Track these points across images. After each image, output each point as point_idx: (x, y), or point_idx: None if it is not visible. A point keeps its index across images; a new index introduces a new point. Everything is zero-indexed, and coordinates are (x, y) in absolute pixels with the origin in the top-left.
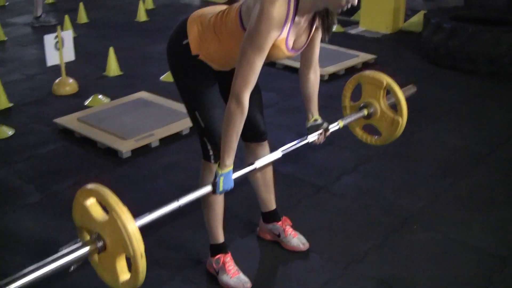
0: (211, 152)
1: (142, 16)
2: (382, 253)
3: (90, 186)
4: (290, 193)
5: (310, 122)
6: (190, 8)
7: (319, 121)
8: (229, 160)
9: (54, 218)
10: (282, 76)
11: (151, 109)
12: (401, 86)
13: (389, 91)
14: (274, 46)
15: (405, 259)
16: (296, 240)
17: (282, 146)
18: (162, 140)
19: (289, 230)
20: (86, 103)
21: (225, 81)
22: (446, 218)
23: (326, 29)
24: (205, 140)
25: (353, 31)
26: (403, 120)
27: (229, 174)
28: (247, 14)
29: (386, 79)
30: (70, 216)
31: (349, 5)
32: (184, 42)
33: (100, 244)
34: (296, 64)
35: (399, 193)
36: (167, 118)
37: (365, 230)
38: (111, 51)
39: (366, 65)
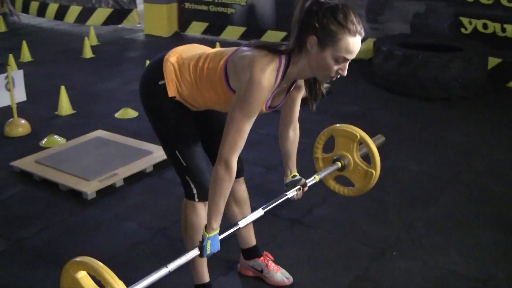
0: (194, 191)
1: (88, 53)
2: (365, 284)
3: (81, 259)
4: (264, 228)
5: (289, 178)
6: (135, 44)
7: (297, 177)
8: (216, 224)
9: (23, 267)
10: None
11: (111, 148)
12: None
13: (361, 142)
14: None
15: None
16: (280, 275)
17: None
18: (126, 180)
19: (272, 265)
20: (42, 144)
21: (202, 117)
22: (423, 245)
23: (314, 98)
24: (187, 179)
25: None
26: (377, 172)
27: (216, 237)
28: (234, 73)
29: (360, 133)
30: (41, 264)
31: (338, 76)
32: (160, 82)
33: None
34: None
35: (372, 222)
36: (128, 156)
37: (345, 261)
38: (63, 90)
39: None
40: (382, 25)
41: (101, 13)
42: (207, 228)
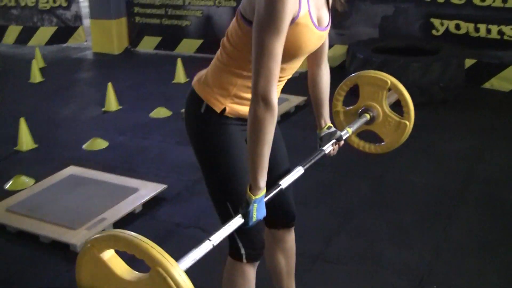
0: (242, 251)
1: (36, 77)
2: None
3: (108, 232)
4: None
5: (324, 130)
6: (83, 64)
7: (332, 128)
8: (263, 182)
9: None
10: None
11: (90, 188)
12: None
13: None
14: (299, 25)
15: None
16: None
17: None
18: (116, 224)
19: None
20: (7, 187)
21: None
22: (460, 271)
23: None
24: (235, 236)
25: None
26: (411, 123)
27: (263, 200)
28: (245, 6)
29: (390, 79)
30: None
31: None
32: (203, 109)
33: None
34: None
35: (397, 249)
36: (112, 196)
37: None
38: (22, 122)
39: (298, 108)
40: (349, 30)
41: (45, 32)
42: (252, 188)
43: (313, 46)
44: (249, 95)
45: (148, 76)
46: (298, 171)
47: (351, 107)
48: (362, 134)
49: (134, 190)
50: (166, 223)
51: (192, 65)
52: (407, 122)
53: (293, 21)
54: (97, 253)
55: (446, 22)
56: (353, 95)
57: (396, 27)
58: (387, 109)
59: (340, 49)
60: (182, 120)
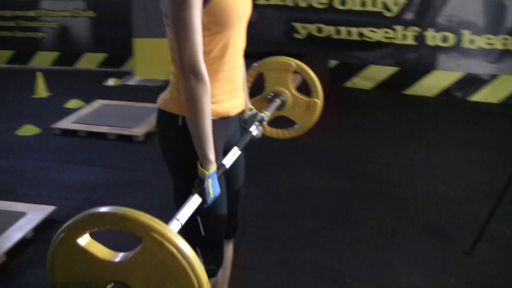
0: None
1: None
2: None
3: (83, 215)
4: None
5: (247, 113)
6: None
7: (254, 110)
8: (212, 155)
9: None
10: (112, 147)
11: None
12: None
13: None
14: None
15: None
16: None
17: None
18: (9, 254)
19: None
20: None
21: None
22: (369, 264)
23: None
24: (197, 250)
25: (130, 82)
26: (321, 100)
27: (215, 175)
28: (164, 4)
29: (294, 61)
30: None
31: None
32: (180, 122)
33: None
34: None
35: (307, 251)
36: None
37: None
38: None
39: None
40: None
41: None
42: (203, 164)
43: (244, 11)
44: (216, 90)
45: (5, 92)
46: (236, 152)
47: (259, 96)
48: (272, 122)
49: (21, 215)
50: None
51: (51, 78)
52: (317, 100)
53: None
54: (73, 240)
55: (308, 26)
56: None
57: (260, 33)
58: (295, 92)
59: None
60: (156, 141)
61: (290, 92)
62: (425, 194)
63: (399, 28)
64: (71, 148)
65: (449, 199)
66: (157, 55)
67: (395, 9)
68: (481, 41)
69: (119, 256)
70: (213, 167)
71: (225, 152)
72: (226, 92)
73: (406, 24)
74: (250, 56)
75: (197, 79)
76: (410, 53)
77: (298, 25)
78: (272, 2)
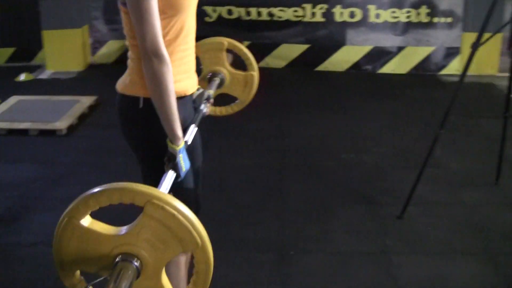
0: None
1: None
2: None
3: (85, 195)
4: None
5: (195, 92)
6: None
7: (201, 89)
8: (180, 131)
9: None
10: (36, 143)
11: None
12: None
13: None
14: None
15: None
16: None
17: None
18: None
19: None
20: None
21: None
22: (307, 234)
23: None
24: None
25: (43, 76)
26: (256, 72)
27: (184, 149)
28: None
29: (226, 39)
30: None
31: None
32: (141, 104)
33: (136, 263)
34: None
35: (249, 227)
36: None
37: None
38: None
39: (92, 108)
40: (121, 25)
41: None
42: (173, 140)
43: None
44: (178, 68)
45: None
46: (194, 129)
47: (198, 78)
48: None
49: None
50: (7, 246)
51: None
52: (253, 73)
53: None
54: (77, 222)
55: (218, 8)
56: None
57: None
58: (231, 68)
59: (115, 45)
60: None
61: (226, 69)
62: (350, 164)
63: (307, 6)
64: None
65: (373, 167)
66: (68, 46)
67: None
68: (387, 15)
69: (122, 229)
70: (182, 142)
71: (184, 130)
72: (182, 72)
73: (315, 2)
74: None
75: (160, 61)
76: (320, 30)
77: (208, 8)
78: None
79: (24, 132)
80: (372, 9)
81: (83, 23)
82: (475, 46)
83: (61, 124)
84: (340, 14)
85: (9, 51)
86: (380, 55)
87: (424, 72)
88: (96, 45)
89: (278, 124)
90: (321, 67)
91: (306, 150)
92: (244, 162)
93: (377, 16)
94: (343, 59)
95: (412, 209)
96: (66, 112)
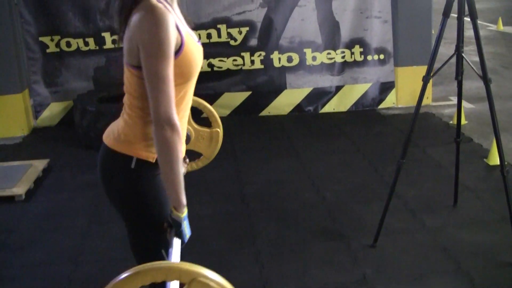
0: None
1: None
2: None
3: (131, 272)
4: None
5: None
6: None
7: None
8: (185, 199)
9: None
10: None
11: None
12: None
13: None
14: (188, 44)
15: None
16: None
17: None
18: None
19: None
20: None
21: None
22: None
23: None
24: (164, 255)
25: None
26: (221, 129)
27: (187, 216)
28: (126, 51)
29: (195, 99)
30: None
31: None
32: (133, 164)
33: None
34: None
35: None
36: None
37: None
38: None
39: (45, 172)
40: (63, 87)
41: None
42: (177, 208)
43: (201, 61)
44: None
45: None
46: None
47: None
48: None
49: None
50: None
51: None
52: (218, 130)
53: (182, 44)
54: None
55: None
56: None
57: (110, 76)
58: (196, 125)
59: (57, 107)
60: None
61: (192, 126)
62: (315, 203)
63: (246, 54)
64: None
65: (335, 203)
66: (10, 112)
67: (240, 38)
68: (323, 57)
69: None
70: (185, 210)
71: None
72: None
73: (253, 50)
74: (106, 100)
75: (172, 130)
76: (260, 77)
77: None
78: (121, 45)
79: None
80: (308, 52)
81: (23, 87)
82: (426, 79)
83: (19, 189)
84: (278, 59)
85: None
86: (320, 95)
87: (363, 108)
88: (38, 108)
89: (234, 171)
90: (264, 112)
91: (268, 194)
92: (209, 211)
93: (314, 58)
94: (285, 102)
95: (381, 238)
96: (20, 177)
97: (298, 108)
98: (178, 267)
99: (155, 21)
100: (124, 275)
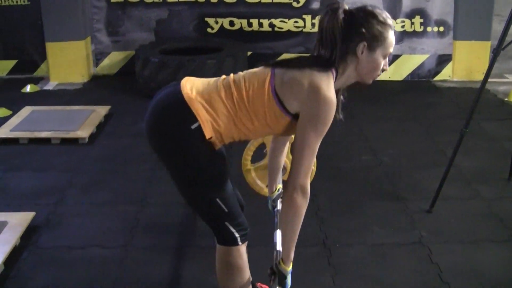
0: (236, 234)
1: None
2: None
3: None
4: None
5: (275, 193)
6: None
7: (281, 189)
8: (293, 255)
9: None
10: (59, 151)
11: None
12: None
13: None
14: None
15: None
16: None
17: None
18: (6, 263)
19: None
20: None
21: None
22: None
23: (341, 107)
24: (227, 225)
25: (48, 87)
26: (315, 167)
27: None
28: (291, 95)
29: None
30: None
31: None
32: (194, 126)
33: None
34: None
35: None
36: None
37: None
38: None
39: (107, 118)
40: (124, 37)
41: None
42: (285, 261)
43: None
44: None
45: None
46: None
47: (261, 163)
48: None
49: (3, 224)
50: (58, 249)
51: None
52: (313, 168)
53: None
54: None
55: (220, 20)
56: None
57: (171, 30)
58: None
59: (118, 56)
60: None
61: (288, 158)
62: (372, 165)
63: (307, 17)
64: (17, 156)
65: (392, 167)
66: (72, 58)
67: (302, 0)
68: None
69: None
70: (291, 264)
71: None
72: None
73: (314, 13)
74: (168, 52)
75: (304, 196)
76: None
77: (210, 20)
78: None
79: (45, 141)
80: None
81: (86, 35)
82: (497, 51)
83: (83, 132)
84: None
85: (11, 63)
86: None
87: (419, 79)
88: (99, 56)
89: None
90: None
91: (326, 154)
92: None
93: None
94: None
95: (437, 203)
96: (83, 121)
97: None
98: None
99: (331, 103)
100: None
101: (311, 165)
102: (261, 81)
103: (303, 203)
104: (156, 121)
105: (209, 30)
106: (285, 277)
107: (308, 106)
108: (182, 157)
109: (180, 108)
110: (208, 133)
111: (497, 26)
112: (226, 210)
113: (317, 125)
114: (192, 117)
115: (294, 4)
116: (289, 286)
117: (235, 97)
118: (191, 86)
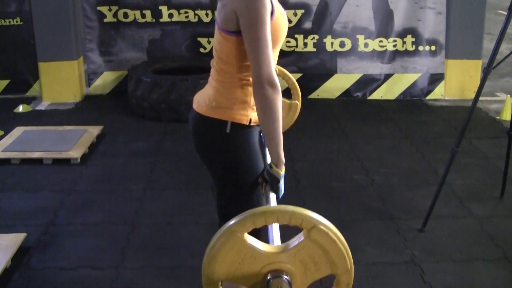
0: None
1: None
2: None
3: (257, 211)
4: None
5: None
6: None
7: None
8: (283, 156)
9: None
10: (51, 172)
11: None
12: None
13: None
14: (277, 10)
15: None
16: None
17: None
18: None
19: None
20: None
21: None
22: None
23: None
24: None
25: (40, 107)
26: (300, 102)
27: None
28: (222, 18)
29: (277, 67)
30: None
31: None
32: (228, 129)
33: (288, 280)
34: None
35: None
36: None
37: None
38: None
39: (99, 138)
40: (117, 56)
41: None
42: (277, 165)
43: (287, 25)
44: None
45: None
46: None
47: None
48: None
49: None
50: (49, 270)
51: None
52: (297, 102)
53: (273, 9)
54: (241, 236)
55: (212, 39)
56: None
57: (164, 49)
58: None
59: (110, 76)
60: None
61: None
62: (364, 184)
63: (299, 36)
64: (8, 176)
65: (387, 186)
66: (64, 78)
67: (294, 20)
68: (374, 44)
69: (279, 248)
70: (284, 167)
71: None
72: None
73: (306, 32)
74: (161, 72)
75: (274, 89)
76: (312, 59)
77: (203, 40)
78: (175, 19)
79: (37, 161)
80: (361, 38)
81: (78, 54)
82: (487, 70)
83: (75, 153)
84: (331, 43)
85: (4, 83)
86: (369, 82)
87: (411, 97)
88: (91, 76)
89: (287, 149)
90: (313, 95)
91: (318, 172)
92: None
93: (366, 45)
94: (334, 86)
95: (429, 222)
96: (76, 141)
97: (347, 93)
98: (302, 213)
99: None
100: (246, 214)
101: (269, 55)
102: (216, 35)
103: (274, 96)
104: (198, 145)
105: (201, 49)
106: (278, 181)
107: (235, 6)
108: (229, 163)
109: (207, 124)
110: (243, 119)
111: (489, 45)
112: (254, 202)
113: (253, 19)
114: (220, 123)
115: None
116: (282, 191)
117: (219, 68)
118: (197, 99)
